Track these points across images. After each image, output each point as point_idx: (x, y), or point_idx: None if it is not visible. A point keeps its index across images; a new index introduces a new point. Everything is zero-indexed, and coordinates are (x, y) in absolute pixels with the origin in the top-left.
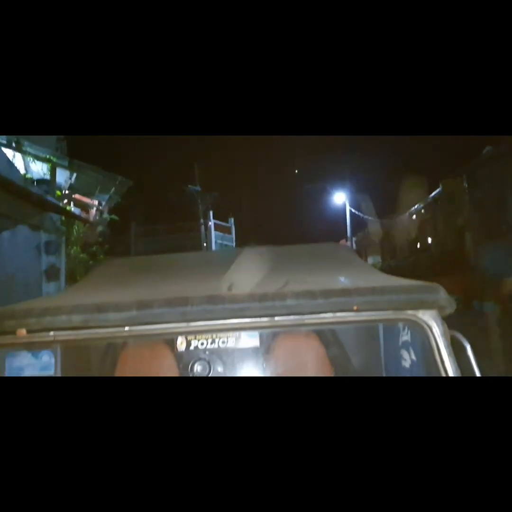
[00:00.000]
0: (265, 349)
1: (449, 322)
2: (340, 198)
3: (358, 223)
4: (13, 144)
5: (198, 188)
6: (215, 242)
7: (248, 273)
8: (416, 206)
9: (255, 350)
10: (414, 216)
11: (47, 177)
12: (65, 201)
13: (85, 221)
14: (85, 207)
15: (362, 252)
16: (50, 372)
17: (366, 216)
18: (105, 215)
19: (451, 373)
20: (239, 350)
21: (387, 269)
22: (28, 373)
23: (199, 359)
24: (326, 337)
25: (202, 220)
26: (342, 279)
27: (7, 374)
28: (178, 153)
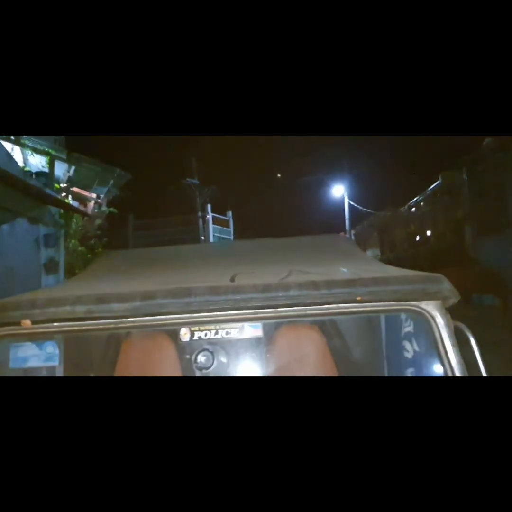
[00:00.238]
0: (268, 340)
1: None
2: (338, 190)
3: (357, 216)
4: (12, 137)
5: (196, 181)
6: (213, 235)
7: (250, 264)
8: (415, 199)
9: (258, 340)
10: (413, 209)
11: (46, 170)
12: (63, 194)
13: (84, 214)
14: (83, 200)
15: (361, 245)
16: (55, 363)
17: (364, 209)
18: (104, 208)
19: (454, 364)
20: (242, 341)
21: (386, 262)
22: (32, 363)
23: (203, 349)
24: (328, 328)
25: (200, 213)
26: (344, 270)
27: (11, 365)
28: (176, 146)
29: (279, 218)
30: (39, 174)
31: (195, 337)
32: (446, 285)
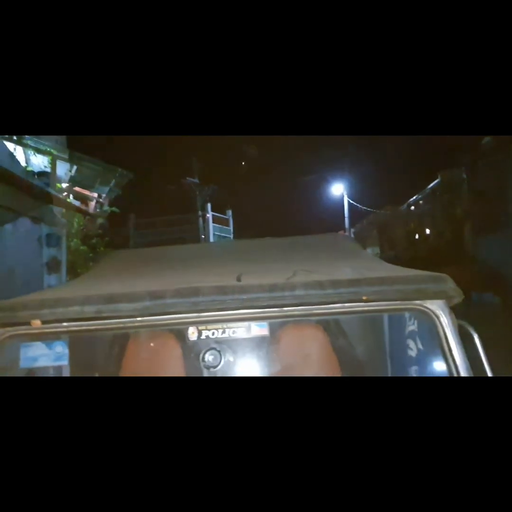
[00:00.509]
0: (274, 339)
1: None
2: (338, 189)
3: (357, 214)
4: (14, 137)
5: (196, 180)
6: (213, 234)
7: (254, 263)
8: (414, 197)
9: (264, 339)
10: (412, 207)
11: (48, 169)
12: (65, 193)
13: (85, 213)
14: (84, 200)
15: (360, 243)
16: (64, 362)
17: (364, 207)
18: (106, 207)
19: (459, 362)
20: (249, 340)
21: (385, 261)
22: (42, 363)
23: (210, 348)
24: (332, 327)
25: (200, 212)
26: (349, 269)
27: (22, 364)
28: (177, 146)
29: (278, 216)
30: (41, 174)
31: (203, 336)
32: (450, 285)
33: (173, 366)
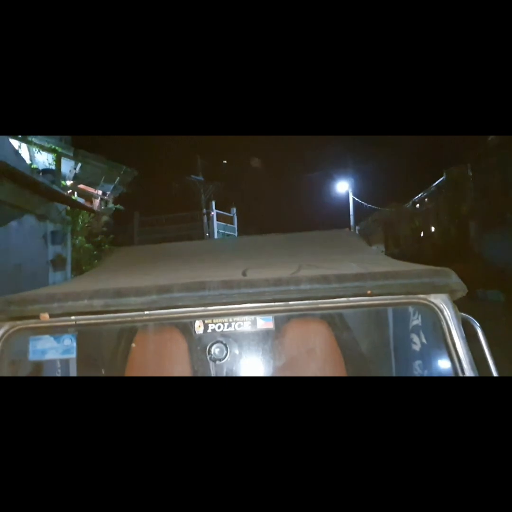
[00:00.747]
0: (279, 332)
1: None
2: (343, 186)
3: (361, 212)
4: (19, 135)
5: (200, 178)
6: (218, 232)
7: (259, 259)
8: (420, 194)
9: (269, 333)
10: (417, 205)
11: (53, 167)
12: (70, 191)
13: (90, 210)
14: (89, 197)
15: (365, 240)
16: (72, 356)
17: (369, 205)
18: (110, 205)
19: (462, 356)
20: (254, 333)
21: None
22: (50, 356)
23: (217, 341)
24: (336, 322)
25: (204, 210)
26: (354, 264)
27: (30, 357)
28: (181, 143)
29: (283, 215)
30: (46, 171)
31: (209, 330)
32: (454, 279)
33: (180, 359)
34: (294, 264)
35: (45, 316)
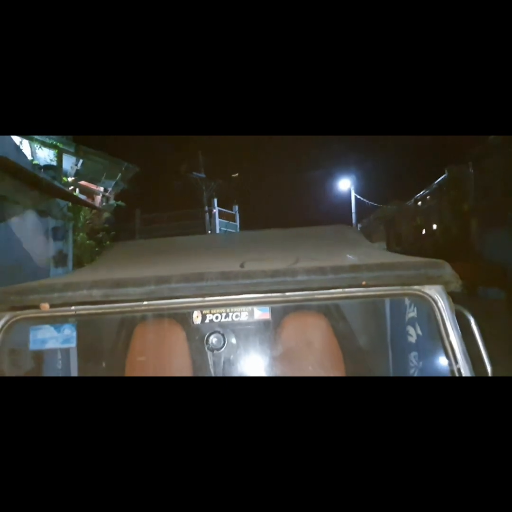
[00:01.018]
0: (276, 323)
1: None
2: (345, 184)
3: (363, 209)
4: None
5: (202, 175)
6: (220, 229)
7: (258, 252)
8: (421, 192)
9: (266, 324)
10: (419, 203)
11: (54, 163)
12: (71, 187)
13: (92, 207)
14: (91, 194)
15: (367, 238)
16: (72, 345)
17: (371, 202)
18: (112, 201)
19: (455, 346)
20: (252, 324)
21: None
22: (50, 345)
23: (214, 331)
24: (334, 314)
25: (206, 208)
26: (350, 256)
27: (31, 347)
28: (183, 140)
29: (285, 213)
30: (47, 167)
31: (207, 320)
32: (447, 270)
33: (179, 349)
34: (292, 257)
35: (45, 306)
